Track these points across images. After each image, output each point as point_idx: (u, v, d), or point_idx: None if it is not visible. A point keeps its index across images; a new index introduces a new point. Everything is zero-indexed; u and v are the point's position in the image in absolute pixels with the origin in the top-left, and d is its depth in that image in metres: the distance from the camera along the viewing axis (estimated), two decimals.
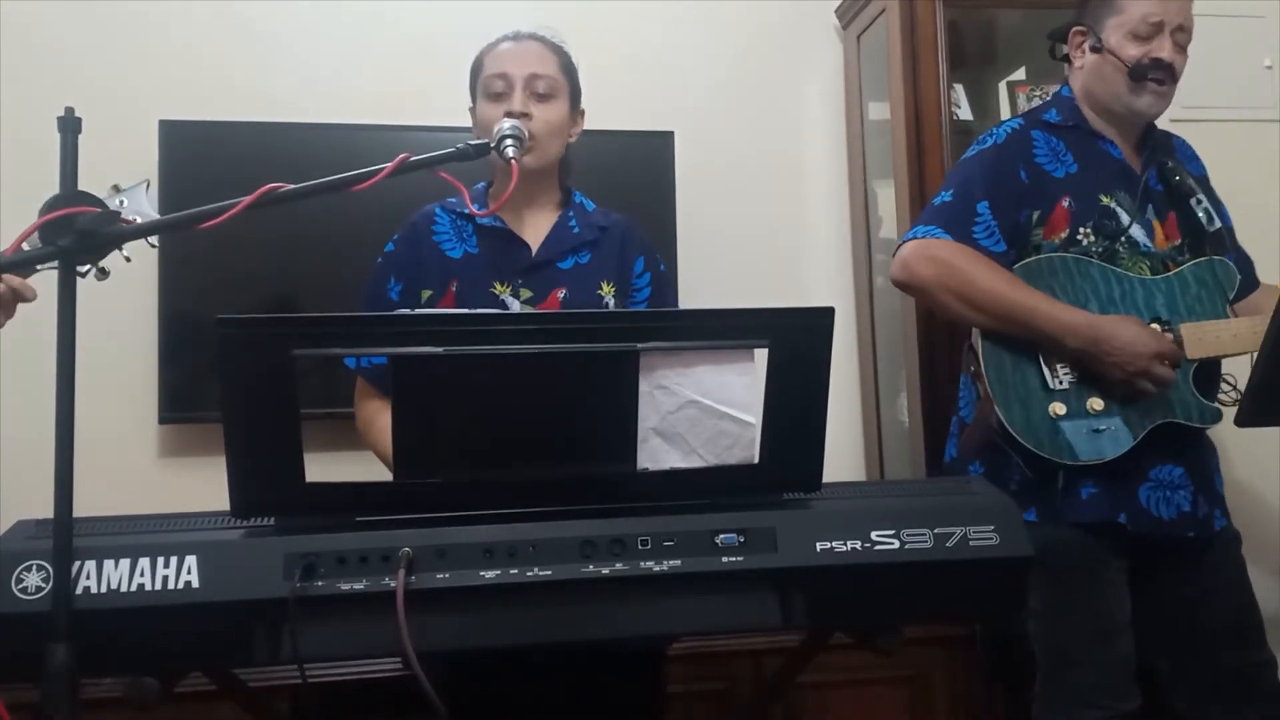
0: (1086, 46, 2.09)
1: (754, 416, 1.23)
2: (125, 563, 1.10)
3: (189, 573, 1.09)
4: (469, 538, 1.13)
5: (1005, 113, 3.01)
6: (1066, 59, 2.17)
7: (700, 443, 1.23)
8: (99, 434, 2.53)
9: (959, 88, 2.94)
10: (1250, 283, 2.10)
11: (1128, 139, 2.10)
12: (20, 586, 1.07)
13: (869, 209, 3.03)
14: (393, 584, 1.08)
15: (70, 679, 1.04)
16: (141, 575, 1.09)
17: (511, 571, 1.12)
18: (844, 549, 1.20)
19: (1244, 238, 2.17)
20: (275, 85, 2.82)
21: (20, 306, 1.39)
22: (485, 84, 1.83)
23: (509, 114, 1.74)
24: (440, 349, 1.12)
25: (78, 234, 1.13)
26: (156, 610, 1.08)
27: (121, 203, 1.18)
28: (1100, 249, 1.99)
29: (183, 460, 2.67)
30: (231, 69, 2.81)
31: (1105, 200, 2.01)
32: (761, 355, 1.22)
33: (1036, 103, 2.95)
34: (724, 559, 1.17)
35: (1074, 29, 2.13)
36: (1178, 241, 2.04)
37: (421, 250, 1.84)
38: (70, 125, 1.18)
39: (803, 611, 1.20)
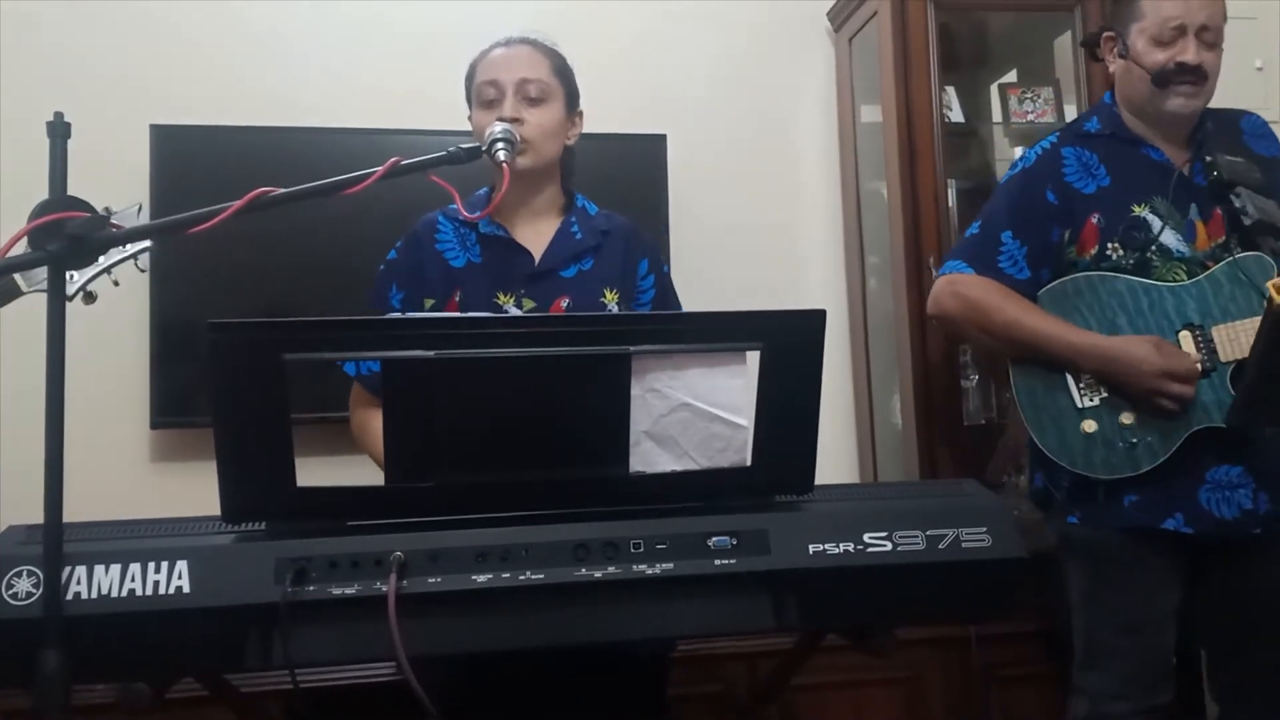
0: (1116, 52, 2.07)
1: (746, 419, 1.23)
2: (116, 568, 1.09)
3: (180, 578, 1.09)
4: (461, 541, 1.12)
5: (997, 115, 3.02)
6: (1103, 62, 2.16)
7: (693, 445, 1.23)
8: (91, 439, 2.54)
9: (950, 90, 2.95)
10: None
11: (1172, 136, 2.06)
12: (10, 592, 1.07)
13: (861, 210, 3.03)
14: (385, 588, 1.08)
15: (62, 685, 1.03)
16: (132, 581, 1.09)
17: (504, 575, 1.12)
18: (836, 551, 1.19)
19: None
20: (268, 89, 2.82)
21: (12, 311, 1.38)
22: (478, 91, 1.83)
23: (500, 120, 1.73)
24: (431, 352, 1.12)
25: (67, 239, 1.12)
26: (148, 616, 1.08)
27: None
28: (1131, 261, 1.99)
29: (175, 465, 2.66)
30: (224, 73, 2.81)
31: (1137, 210, 2.00)
32: (753, 358, 1.22)
33: (1028, 105, 2.97)
34: (717, 562, 1.16)
35: (1104, 34, 2.11)
36: (1222, 239, 1.99)
37: (424, 259, 1.84)
38: (60, 130, 1.17)
39: (796, 614, 1.19)
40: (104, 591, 1.08)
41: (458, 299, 1.80)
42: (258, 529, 1.17)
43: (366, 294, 1.87)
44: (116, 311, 2.60)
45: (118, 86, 2.74)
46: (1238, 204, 1.96)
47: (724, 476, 1.24)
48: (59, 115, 1.19)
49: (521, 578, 1.12)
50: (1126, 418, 1.95)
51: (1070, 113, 2.93)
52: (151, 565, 1.09)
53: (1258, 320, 1.87)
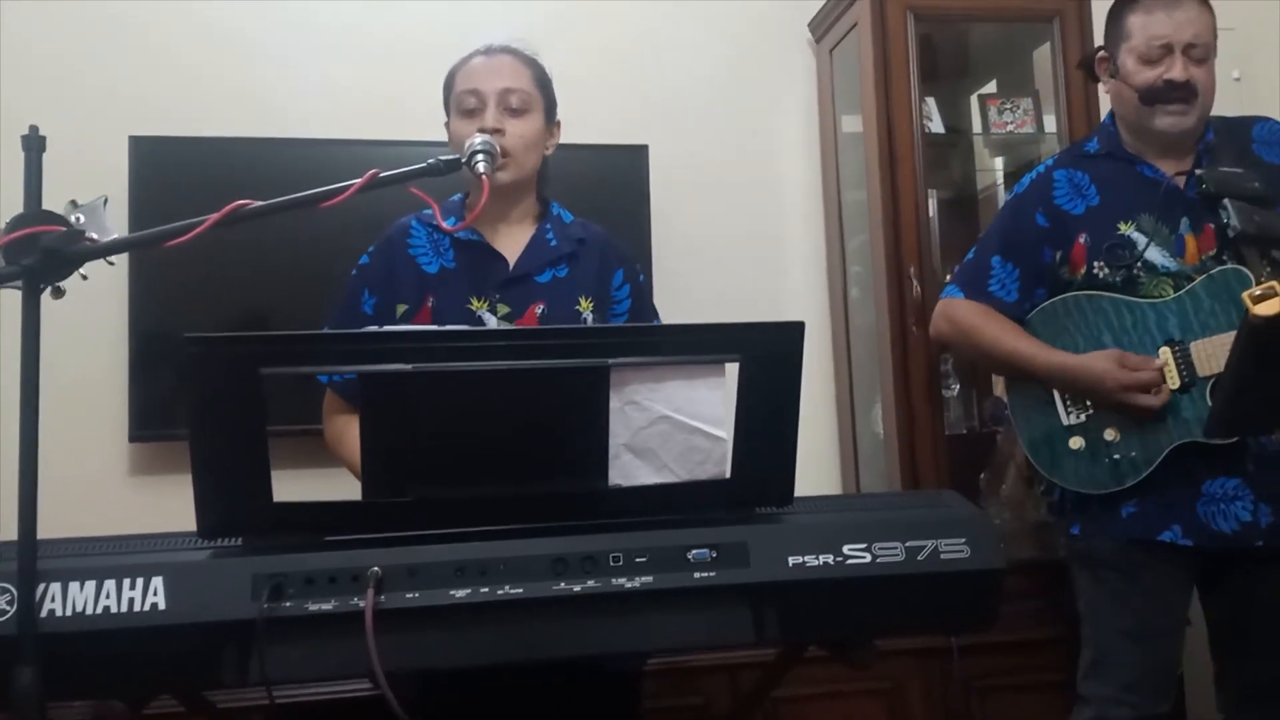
0: (1108, 72, 2.10)
1: (725, 431, 1.23)
2: (91, 585, 1.08)
3: (156, 594, 1.08)
4: (439, 556, 1.12)
5: (977, 125, 3.04)
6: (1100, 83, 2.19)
7: (672, 458, 1.23)
8: (69, 453, 2.52)
9: (930, 100, 2.96)
10: None
11: (1171, 152, 2.08)
12: None
13: (843, 220, 3.04)
14: (362, 604, 1.07)
15: (37, 703, 1.02)
16: (107, 597, 1.08)
17: (482, 590, 1.11)
18: (816, 563, 1.20)
19: None
20: (248, 100, 2.81)
21: None
22: (458, 100, 1.82)
23: (481, 130, 1.73)
24: (409, 366, 1.12)
25: (42, 253, 1.12)
26: (123, 632, 1.07)
27: (79, 219, 1.16)
28: (1118, 278, 2.02)
29: (154, 479, 2.64)
30: (203, 84, 2.80)
31: (1123, 228, 2.03)
32: (732, 370, 1.22)
33: (1007, 115, 2.99)
34: (696, 575, 1.16)
35: (1099, 55, 2.14)
36: (1212, 251, 2.00)
37: (397, 264, 1.82)
38: (34, 144, 1.17)
39: (776, 626, 1.19)
40: (79, 608, 1.08)
41: (430, 304, 1.79)
42: (234, 544, 1.16)
43: (338, 299, 1.86)
44: (94, 323, 2.59)
45: (96, 98, 2.73)
46: (1224, 217, 1.97)
47: (703, 489, 1.24)
48: (34, 129, 1.18)
49: (500, 592, 1.12)
50: (1110, 433, 1.99)
51: (1049, 123, 2.95)
52: (127, 582, 1.08)
53: (1234, 334, 1.89)
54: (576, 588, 1.13)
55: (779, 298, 3.07)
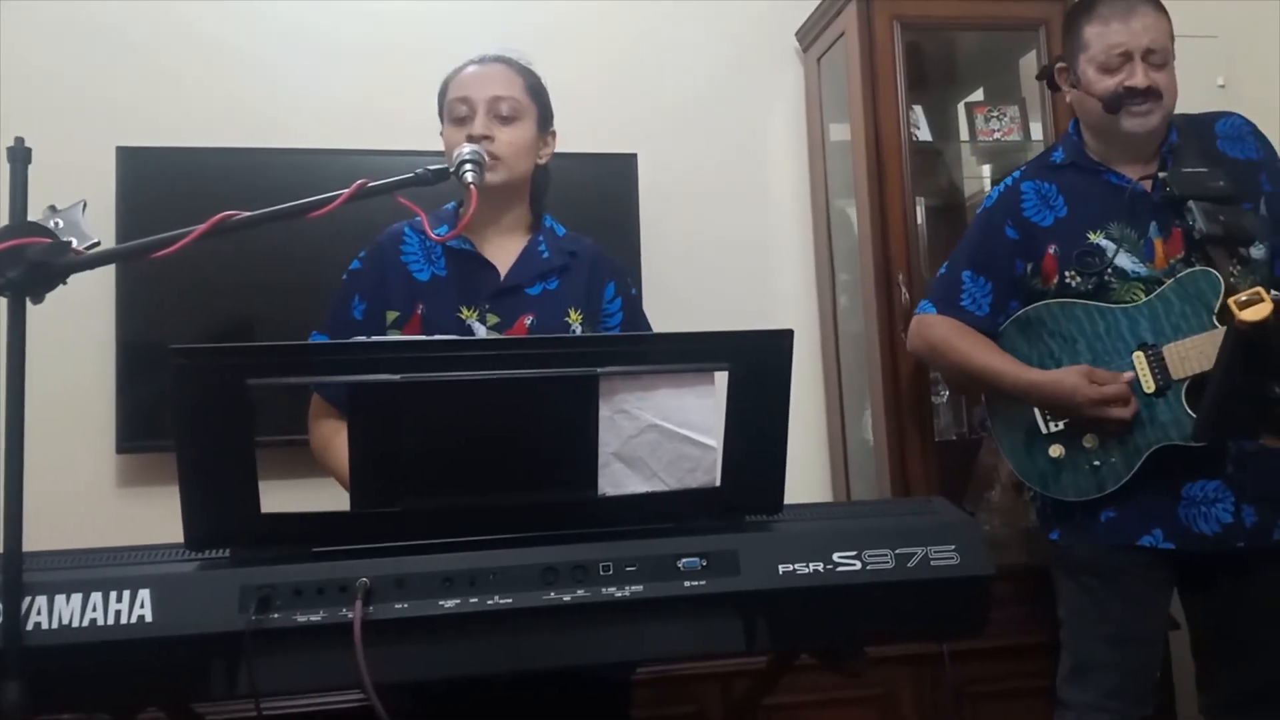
0: (1069, 83, 2.11)
1: (715, 439, 1.23)
2: (77, 597, 1.08)
3: (142, 607, 1.07)
4: (428, 567, 1.11)
5: (964, 133, 3.05)
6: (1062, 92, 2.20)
7: (662, 466, 1.23)
8: (56, 464, 2.51)
9: (918, 109, 2.97)
10: None
11: (1138, 156, 2.09)
12: None
13: (831, 228, 3.05)
14: (350, 615, 1.07)
15: (23, 717, 1.02)
16: (94, 610, 1.07)
17: (472, 600, 1.11)
18: (806, 571, 1.20)
19: None
20: (236, 110, 2.81)
21: None
22: (450, 108, 1.82)
23: (470, 137, 1.73)
24: (397, 376, 1.11)
25: (28, 266, 1.11)
26: (110, 645, 1.06)
27: (57, 224, 1.16)
28: (1090, 286, 2.03)
29: (142, 490, 2.63)
30: (191, 95, 2.80)
31: (1092, 236, 2.04)
32: (721, 378, 1.22)
33: (994, 123, 3.00)
34: (687, 583, 1.16)
35: (1058, 66, 2.15)
36: (1181, 254, 2.01)
37: (388, 271, 1.82)
38: (20, 155, 1.16)
39: (766, 635, 1.19)
40: (65, 621, 1.07)
41: (420, 312, 1.79)
42: (222, 556, 1.16)
43: (328, 305, 1.85)
44: (81, 333, 2.58)
45: (83, 108, 2.72)
46: (1189, 219, 1.99)
47: (693, 497, 1.24)
48: (19, 140, 1.17)
49: (489, 602, 1.11)
50: (1089, 441, 2.00)
51: (1036, 130, 2.97)
52: (113, 594, 1.08)
53: (1206, 336, 1.92)
54: (566, 597, 1.13)
55: (768, 306, 3.08)
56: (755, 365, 1.22)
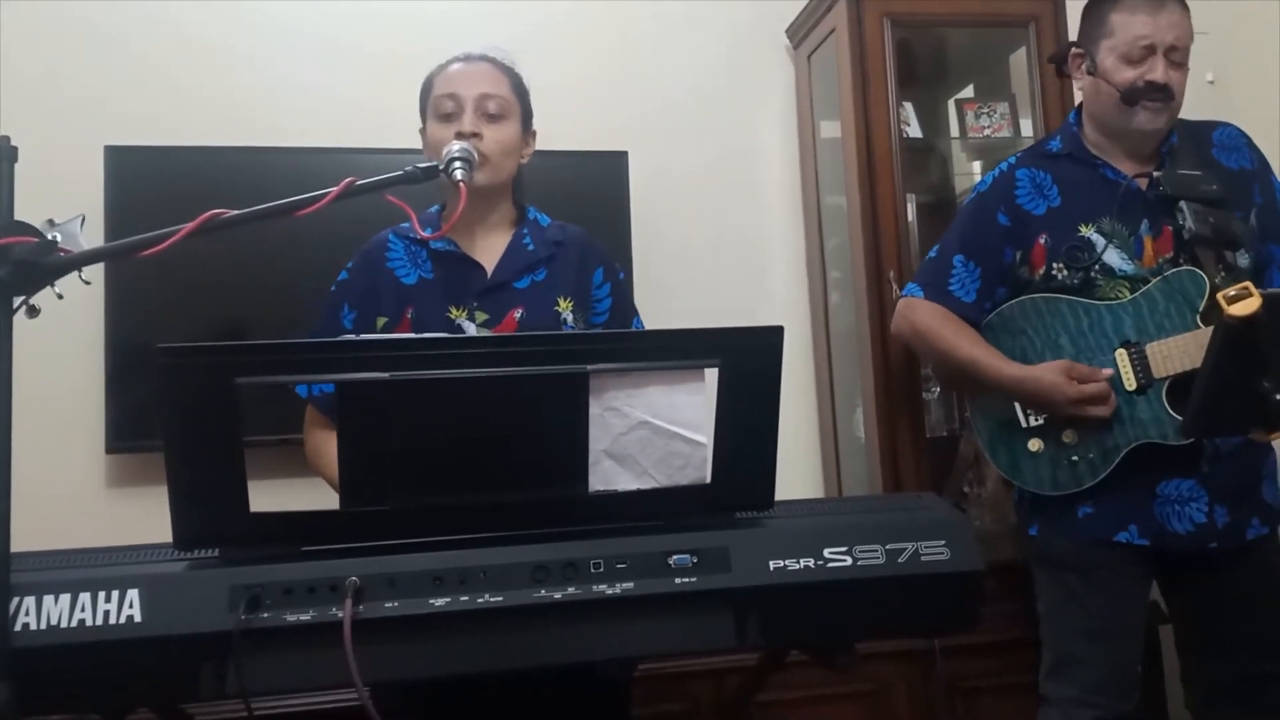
0: (1084, 69, 2.09)
1: (705, 436, 1.23)
2: (66, 598, 1.07)
3: (131, 607, 1.07)
4: (418, 565, 1.11)
5: (954, 130, 3.05)
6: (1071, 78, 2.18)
7: (652, 464, 1.23)
8: (46, 464, 2.50)
9: (908, 106, 2.97)
10: None
11: (1137, 153, 2.09)
12: None
13: (822, 225, 3.05)
14: (340, 614, 1.06)
15: (12, 719, 1.01)
16: (83, 610, 1.07)
17: (462, 599, 1.11)
18: (797, 567, 1.20)
19: None
20: (224, 109, 2.80)
21: None
22: (435, 104, 1.82)
23: (459, 134, 1.73)
24: (386, 374, 1.11)
25: (15, 265, 1.11)
26: (99, 646, 1.06)
27: (55, 238, 1.15)
28: (1076, 280, 2.03)
29: (132, 490, 2.62)
30: (179, 93, 2.79)
31: (1083, 230, 2.04)
32: (712, 375, 1.22)
33: (984, 120, 3.00)
34: (677, 580, 1.16)
35: (1072, 51, 2.13)
36: (1169, 254, 2.01)
37: (376, 278, 1.83)
38: (6, 154, 1.16)
39: (757, 631, 1.19)
40: (54, 622, 1.06)
41: (410, 316, 1.79)
42: (211, 556, 1.15)
43: (316, 316, 1.85)
44: (70, 333, 2.57)
45: (71, 107, 2.71)
46: (1180, 219, 1.99)
47: (684, 494, 1.24)
48: (5, 139, 1.17)
49: (480, 601, 1.11)
50: (1068, 436, 2.00)
51: (1026, 127, 2.97)
52: (102, 595, 1.07)
53: (1190, 336, 1.93)
54: (557, 595, 1.13)
55: (760, 303, 3.08)
56: (745, 362, 1.22)
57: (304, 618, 1.08)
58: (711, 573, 1.17)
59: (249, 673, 1.06)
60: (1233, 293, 1.62)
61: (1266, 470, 2.04)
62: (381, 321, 1.80)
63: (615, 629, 1.16)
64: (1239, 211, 2.03)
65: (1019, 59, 3.01)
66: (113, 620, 1.07)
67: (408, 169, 1.39)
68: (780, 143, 3.17)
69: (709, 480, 1.23)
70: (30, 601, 1.06)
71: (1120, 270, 2.02)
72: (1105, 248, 2.02)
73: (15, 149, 1.16)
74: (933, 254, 2.20)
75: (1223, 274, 1.98)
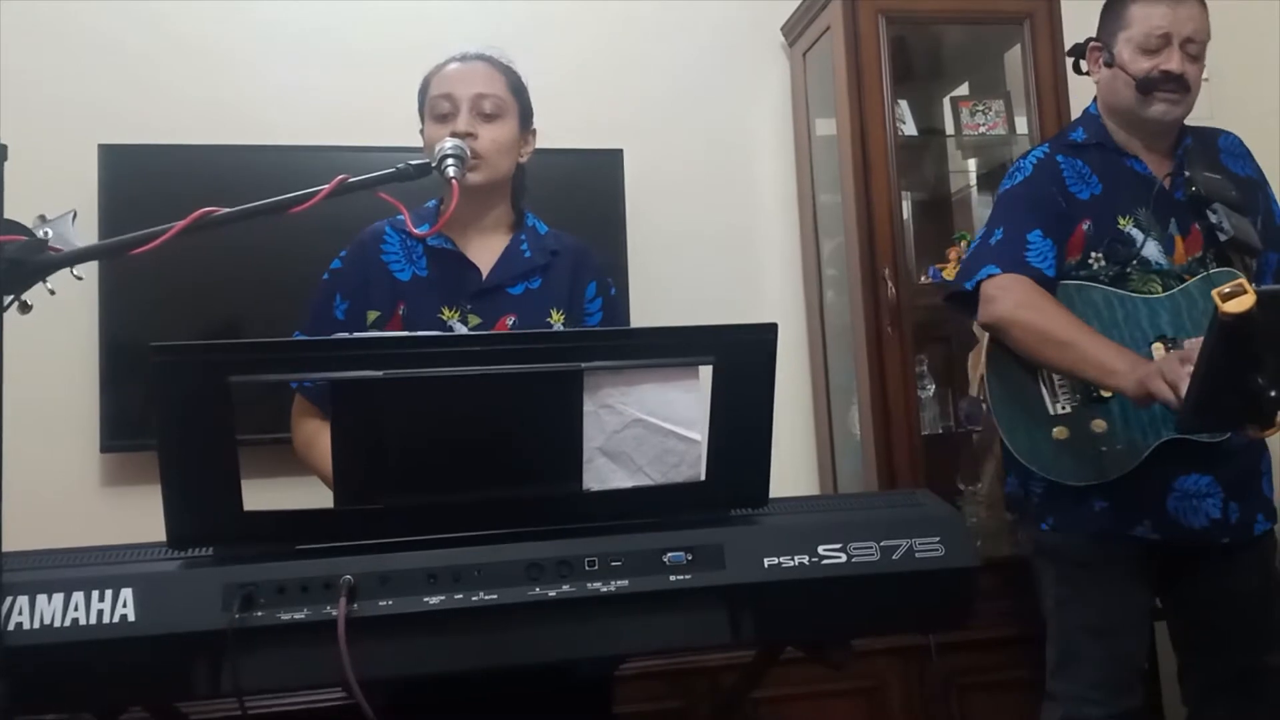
0: (1101, 61, 2.09)
1: (699, 434, 1.23)
2: (59, 597, 1.07)
3: (125, 606, 1.07)
4: (412, 563, 1.11)
5: (949, 127, 3.05)
6: (1088, 74, 2.17)
7: (646, 461, 1.22)
8: (40, 463, 2.50)
9: (903, 103, 2.97)
10: None
11: (1155, 148, 2.09)
12: None
13: (817, 223, 3.05)
14: (334, 612, 1.06)
15: (5, 718, 1.01)
16: (76, 609, 1.06)
17: (456, 596, 1.10)
18: (792, 564, 1.19)
19: None
20: (217, 107, 2.80)
21: None
22: (431, 105, 1.82)
23: (454, 134, 1.72)
24: (380, 372, 1.11)
25: (5, 263, 1.10)
26: (92, 645, 1.05)
27: (47, 233, 1.15)
28: (1110, 273, 2.01)
29: (126, 489, 2.62)
30: (172, 92, 2.79)
31: (1122, 223, 2.02)
32: (706, 372, 1.22)
33: (979, 117, 3.00)
34: (672, 577, 1.16)
35: (1090, 45, 2.13)
36: (1199, 254, 2.01)
37: (369, 270, 1.82)
38: None
39: (752, 628, 1.19)
40: (47, 621, 1.06)
41: (402, 312, 1.78)
42: (205, 554, 1.15)
43: (309, 303, 1.84)
44: (64, 332, 2.56)
45: (64, 106, 2.71)
46: (1214, 219, 1.99)
47: (678, 492, 1.23)
48: None
49: (474, 599, 1.11)
50: (1098, 425, 1.96)
51: (1021, 124, 2.97)
52: (95, 594, 1.07)
53: None
54: (552, 593, 1.13)
55: (755, 300, 3.08)
56: (739, 359, 1.22)
57: (298, 616, 1.07)
58: (706, 570, 1.17)
59: (243, 671, 1.06)
60: (1227, 290, 1.63)
61: (1264, 466, 2.05)
62: (373, 316, 1.79)
63: (610, 626, 1.16)
64: (1250, 217, 2.04)
65: (1014, 56, 3.02)
66: (106, 619, 1.06)
67: (399, 166, 1.38)
68: (775, 140, 3.17)
69: (704, 477, 1.23)
70: (24, 601, 1.06)
71: (1156, 264, 2.01)
72: (1144, 242, 2.00)
73: (5, 147, 1.15)
74: (998, 235, 2.03)
75: (1245, 278, 1.97)
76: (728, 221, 3.11)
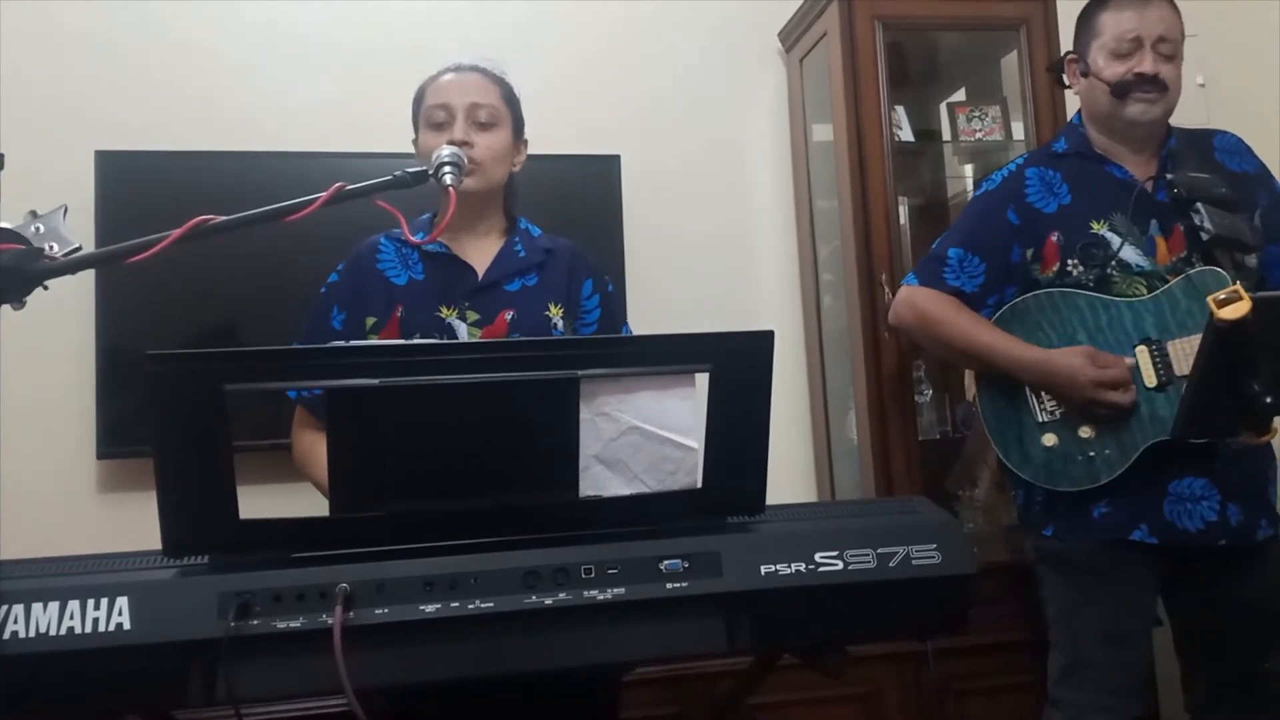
0: (1079, 72, 2.12)
1: (696, 441, 1.23)
2: (54, 605, 1.06)
3: (120, 614, 1.06)
4: (408, 571, 1.10)
5: (946, 133, 3.06)
6: (1069, 88, 2.21)
7: (643, 469, 1.22)
8: (36, 470, 2.49)
9: (900, 109, 2.98)
10: None
11: (1140, 151, 2.11)
12: None
13: (814, 228, 3.05)
14: (330, 621, 1.06)
15: None
16: (71, 618, 1.06)
17: (453, 604, 1.10)
18: (788, 571, 1.19)
19: None
20: (214, 114, 2.80)
21: None
22: (427, 114, 1.83)
23: (450, 143, 1.73)
24: (376, 380, 1.11)
25: (1, 272, 1.10)
26: (88, 654, 1.05)
27: (38, 229, 1.15)
28: (1091, 277, 2.03)
29: (123, 496, 2.61)
30: (169, 98, 2.79)
31: (1096, 227, 2.04)
32: (702, 380, 1.22)
33: (976, 123, 3.01)
34: (669, 585, 1.15)
35: (1068, 57, 2.16)
36: (1183, 254, 2.02)
37: (365, 279, 1.83)
38: None
39: (749, 635, 1.19)
40: (42, 629, 1.05)
41: (399, 315, 1.79)
42: (200, 562, 1.14)
43: (306, 319, 1.85)
44: (60, 338, 2.56)
45: (62, 113, 2.71)
46: (1196, 220, 2.00)
47: (675, 499, 1.23)
48: None
49: (471, 606, 1.10)
50: (1085, 431, 1.98)
51: (1018, 130, 2.98)
52: (91, 602, 1.06)
53: None
54: (548, 600, 1.12)
55: (752, 306, 3.08)
56: (736, 366, 1.22)
57: (294, 624, 1.07)
58: (703, 577, 1.16)
59: (239, 680, 1.06)
60: (1222, 296, 1.63)
61: (1271, 474, 2.05)
62: (370, 321, 1.80)
63: (607, 634, 1.15)
64: (1245, 213, 2.04)
65: (1010, 62, 3.02)
66: (102, 628, 1.06)
67: (397, 174, 1.39)
68: (772, 146, 3.18)
69: (700, 485, 1.23)
70: (19, 609, 1.05)
71: (1137, 266, 2.02)
72: (1121, 245, 2.02)
73: (1, 155, 1.16)
74: (933, 246, 2.19)
75: (1234, 274, 1.97)
76: (724, 227, 3.11)
